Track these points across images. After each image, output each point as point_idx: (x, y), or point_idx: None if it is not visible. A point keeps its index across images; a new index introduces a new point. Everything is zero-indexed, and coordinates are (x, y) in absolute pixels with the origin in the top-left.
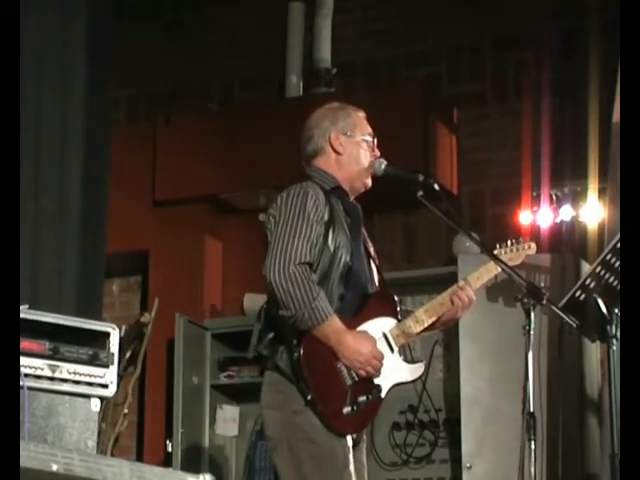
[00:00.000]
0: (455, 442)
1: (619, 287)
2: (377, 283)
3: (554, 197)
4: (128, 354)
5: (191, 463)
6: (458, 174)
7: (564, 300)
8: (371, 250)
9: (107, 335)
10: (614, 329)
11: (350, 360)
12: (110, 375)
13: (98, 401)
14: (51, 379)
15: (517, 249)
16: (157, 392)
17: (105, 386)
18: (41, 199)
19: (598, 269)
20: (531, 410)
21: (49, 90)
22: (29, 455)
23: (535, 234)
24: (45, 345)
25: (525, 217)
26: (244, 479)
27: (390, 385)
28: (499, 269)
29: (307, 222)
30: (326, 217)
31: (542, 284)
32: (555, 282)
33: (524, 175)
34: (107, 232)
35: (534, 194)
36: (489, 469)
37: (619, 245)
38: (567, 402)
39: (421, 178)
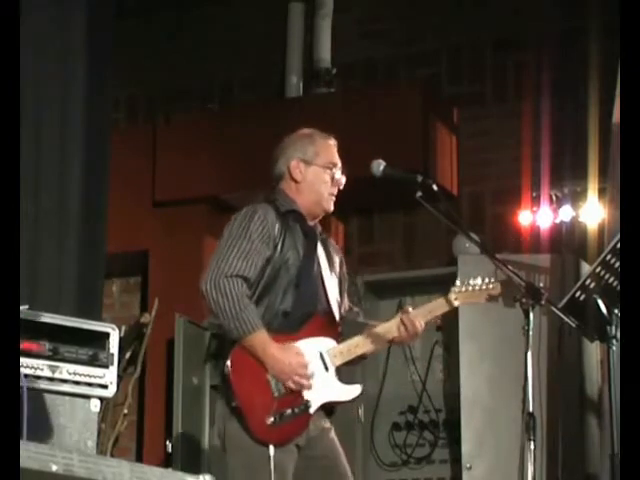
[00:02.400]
0: (455, 442)
1: (619, 287)
2: (335, 304)
3: (554, 197)
4: (128, 354)
5: (191, 463)
6: (458, 174)
7: (564, 300)
8: (338, 270)
9: (107, 335)
10: (614, 329)
11: (276, 371)
12: (110, 375)
13: (98, 401)
14: (51, 379)
15: (480, 287)
16: (157, 392)
17: (105, 386)
18: (41, 199)
19: (598, 269)
20: (531, 410)
21: (49, 90)
22: (29, 455)
23: (535, 234)
24: (45, 345)
25: (525, 217)
26: None
27: (321, 402)
28: (448, 308)
29: (247, 239)
30: (274, 236)
31: (542, 284)
32: (555, 282)
33: (524, 175)
34: (107, 232)
35: (534, 194)
36: (489, 469)
37: (619, 245)
38: (567, 402)
39: (420, 179)
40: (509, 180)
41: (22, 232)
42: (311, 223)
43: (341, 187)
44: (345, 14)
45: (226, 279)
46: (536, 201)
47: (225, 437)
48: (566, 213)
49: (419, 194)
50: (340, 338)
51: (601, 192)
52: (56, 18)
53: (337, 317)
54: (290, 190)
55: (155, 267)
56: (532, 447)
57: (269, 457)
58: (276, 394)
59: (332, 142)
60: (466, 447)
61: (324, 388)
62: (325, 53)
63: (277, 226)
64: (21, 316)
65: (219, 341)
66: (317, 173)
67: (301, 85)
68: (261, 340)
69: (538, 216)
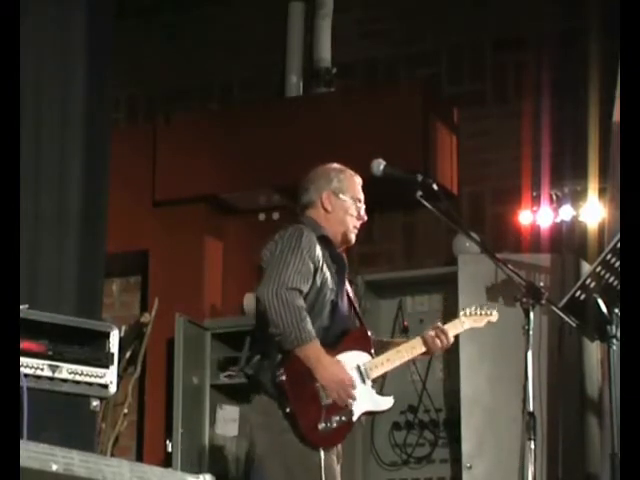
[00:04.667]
0: (455, 442)
1: (619, 287)
2: (355, 321)
3: (554, 197)
4: (128, 354)
5: (191, 463)
6: (458, 174)
7: (564, 300)
8: (351, 293)
9: (107, 335)
10: (614, 329)
11: (326, 381)
12: (110, 375)
13: (98, 401)
14: (51, 379)
15: (480, 313)
16: (157, 392)
17: (105, 386)
18: (41, 199)
19: (598, 269)
20: (531, 410)
21: (49, 90)
22: (29, 455)
23: (535, 234)
24: (45, 345)
25: (525, 217)
26: (244, 479)
27: (361, 411)
28: (461, 329)
29: (300, 256)
30: (318, 256)
31: (542, 284)
32: (555, 282)
33: (524, 175)
34: (107, 232)
35: (534, 194)
36: (489, 469)
37: (619, 245)
38: (567, 402)
39: (420, 178)
40: (509, 180)
41: (22, 232)
42: (338, 250)
43: (364, 221)
44: (345, 14)
45: (287, 291)
46: (536, 201)
47: (275, 442)
48: (566, 213)
49: (419, 194)
50: (373, 351)
51: (601, 192)
52: (56, 18)
53: (370, 332)
54: (319, 218)
55: (155, 267)
56: (532, 447)
57: (320, 460)
58: (325, 401)
59: (359, 180)
60: (466, 447)
61: (363, 398)
62: (325, 53)
63: (318, 248)
64: (21, 316)
65: (261, 352)
66: (346, 206)
67: (301, 85)
68: (316, 350)
69: (538, 216)
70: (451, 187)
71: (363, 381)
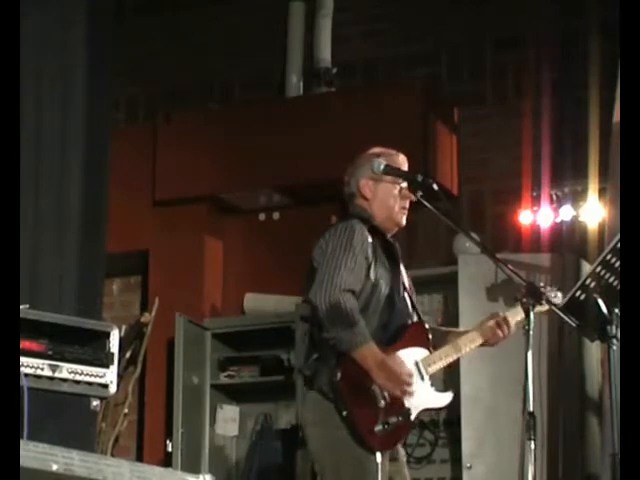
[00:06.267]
0: (455, 442)
1: (619, 287)
2: (412, 314)
3: (554, 197)
4: (128, 354)
5: (191, 463)
6: (458, 174)
7: (564, 300)
8: (406, 283)
9: (107, 335)
10: (614, 329)
11: (386, 380)
12: (110, 375)
13: (98, 401)
14: (51, 379)
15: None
16: (157, 392)
17: (105, 386)
18: (41, 199)
19: (598, 269)
20: (531, 410)
21: (49, 90)
22: (29, 455)
23: (535, 234)
24: (45, 345)
25: (525, 217)
26: (244, 479)
27: (419, 409)
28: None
29: (352, 255)
30: (369, 251)
31: (542, 284)
32: (555, 282)
33: (524, 175)
34: (107, 232)
35: (534, 194)
36: (489, 469)
37: (619, 245)
38: (567, 402)
39: (420, 178)
40: (509, 180)
41: (22, 232)
42: (388, 238)
43: (413, 200)
44: (345, 14)
45: (341, 293)
46: (536, 200)
47: (328, 436)
48: (566, 212)
49: (420, 194)
50: (430, 347)
51: (601, 192)
52: (56, 18)
53: (427, 326)
54: (365, 206)
55: (155, 267)
56: (532, 447)
57: (377, 464)
58: (382, 403)
59: (401, 158)
60: (466, 446)
61: (421, 396)
62: (325, 53)
63: (370, 242)
64: (21, 315)
65: (319, 353)
66: (386, 188)
67: (301, 85)
68: (372, 351)
69: (538, 215)
70: (451, 187)
71: (422, 378)
